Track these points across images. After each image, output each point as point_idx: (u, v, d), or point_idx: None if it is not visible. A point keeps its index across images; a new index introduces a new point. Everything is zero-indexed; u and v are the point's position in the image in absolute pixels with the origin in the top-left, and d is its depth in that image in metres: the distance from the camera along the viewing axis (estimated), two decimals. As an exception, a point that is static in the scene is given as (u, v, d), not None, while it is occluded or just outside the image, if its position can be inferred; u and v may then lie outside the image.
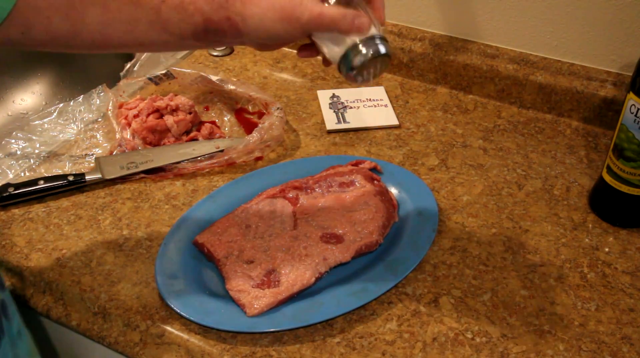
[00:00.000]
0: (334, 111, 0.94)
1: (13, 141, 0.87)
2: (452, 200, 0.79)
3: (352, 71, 0.56)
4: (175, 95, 0.91)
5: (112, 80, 0.96)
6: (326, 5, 0.55)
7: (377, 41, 0.55)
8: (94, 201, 0.79)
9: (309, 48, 0.61)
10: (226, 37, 0.57)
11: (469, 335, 0.63)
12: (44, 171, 0.83)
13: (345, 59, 0.55)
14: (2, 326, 0.58)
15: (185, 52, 1.08)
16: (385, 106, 0.95)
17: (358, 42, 0.55)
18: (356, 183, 0.75)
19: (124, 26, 0.55)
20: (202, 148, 0.85)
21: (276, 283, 0.65)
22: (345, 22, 0.55)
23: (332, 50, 0.56)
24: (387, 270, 0.67)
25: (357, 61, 0.55)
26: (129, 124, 0.87)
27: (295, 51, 1.08)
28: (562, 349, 0.62)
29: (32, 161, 0.85)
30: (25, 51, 1.16)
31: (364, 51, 0.55)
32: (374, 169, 0.80)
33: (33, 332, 0.67)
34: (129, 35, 0.56)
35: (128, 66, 0.97)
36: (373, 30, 0.55)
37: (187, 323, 0.64)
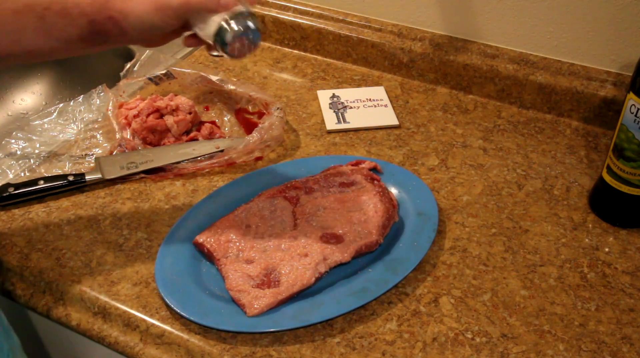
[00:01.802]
0: (334, 111, 0.94)
1: (13, 141, 0.87)
2: (452, 200, 0.79)
3: (225, 46, 0.61)
4: (175, 95, 0.91)
5: (112, 80, 0.96)
6: None
7: (245, 17, 0.61)
8: (94, 201, 0.79)
9: (192, 37, 0.65)
10: (112, 36, 0.59)
11: (469, 335, 0.63)
12: (44, 171, 0.83)
13: (218, 36, 0.61)
14: None
15: (185, 52, 1.08)
16: (385, 106, 0.95)
17: (228, 18, 0.60)
18: (356, 183, 0.75)
19: (10, 37, 0.56)
20: (202, 148, 0.85)
21: (276, 283, 0.65)
22: (211, 1, 0.59)
23: (206, 31, 0.62)
24: (387, 270, 0.67)
25: (228, 36, 0.60)
26: (129, 124, 0.87)
27: (295, 51, 1.09)
28: (562, 349, 0.62)
29: (32, 161, 0.84)
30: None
31: (233, 26, 0.60)
32: (374, 169, 0.80)
33: (29, 331, 0.67)
34: (16, 45, 0.57)
35: (128, 66, 0.97)
36: (240, 8, 0.61)
37: (187, 323, 0.64)
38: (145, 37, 0.63)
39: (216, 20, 0.61)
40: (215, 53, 0.63)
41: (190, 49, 1.08)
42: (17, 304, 0.72)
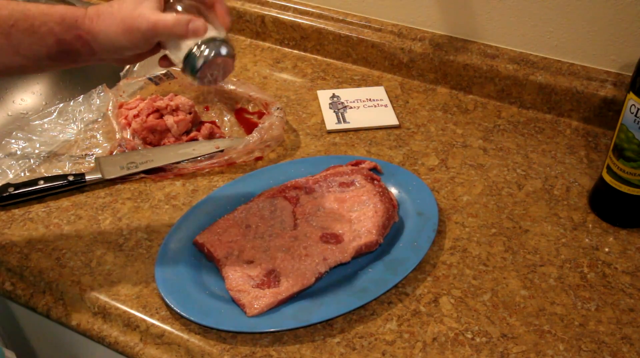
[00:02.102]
0: (334, 111, 0.94)
1: (13, 141, 0.87)
2: (452, 200, 0.79)
3: (195, 72, 0.58)
4: (175, 95, 0.91)
5: (112, 80, 0.96)
6: (163, 14, 0.57)
7: (217, 43, 0.57)
8: (94, 201, 0.79)
9: (165, 58, 0.63)
10: (81, 55, 0.59)
11: (469, 335, 0.63)
12: (44, 171, 0.83)
13: (187, 61, 0.58)
14: None
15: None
16: (385, 106, 0.95)
17: (199, 44, 0.57)
18: (356, 183, 0.75)
19: None
20: (202, 148, 0.85)
21: (276, 283, 0.65)
22: (180, 27, 0.57)
23: (176, 55, 0.59)
24: (387, 270, 0.67)
25: (198, 63, 0.57)
26: (129, 124, 0.87)
27: (295, 51, 1.09)
28: (562, 349, 0.62)
29: (32, 161, 0.84)
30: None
31: (205, 52, 0.57)
32: (374, 169, 0.80)
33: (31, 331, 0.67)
34: None
35: (128, 66, 0.97)
36: (212, 33, 0.58)
37: (187, 323, 0.64)
38: (115, 57, 0.62)
39: (188, 45, 0.58)
40: (187, 76, 0.60)
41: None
42: (18, 304, 0.72)
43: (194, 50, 0.57)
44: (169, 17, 0.57)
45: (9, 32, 0.55)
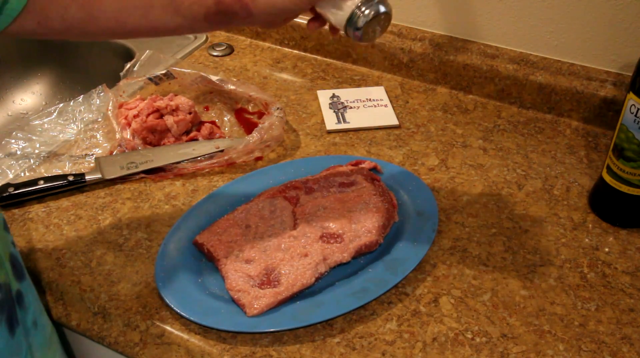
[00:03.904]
0: (334, 111, 0.94)
1: (13, 141, 0.87)
2: (452, 200, 0.79)
3: (358, 30, 0.60)
4: (175, 95, 0.91)
5: (112, 80, 0.96)
6: None
7: (376, 1, 0.60)
8: (94, 201, 0.79)
9: (316, 20, 0.64)
10: (237, 17, 0.59)
11: (469, 335, 0.63)
12: (44, 171, 0.83)
13: (350, 21, 0.60)
14: (17, 316, 0.58)
15: (185, 52, 1.08)
16: (385, 106, 0.95)
17: (359, 3, 0.60)
18: (356, 183, 0.75)
19: (138, 11, 0.57)
20: (202, 148, 0.85)
21: (276, 283, 0.65)
22: None
23: (337, 15, 0.61)
24: (387, 270, 0.67)
25: (361, 21, 0.60)
26: (129, 124, 0.87)
27: (295, 51, 1.09)
28: (562, 349, 0.62)
29: (32, 161, 0.85)
30: (25, 51, 1.16)
31: (366, 11, 0.60)
32: (374, 169, 0.80)
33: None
34: (143, 20, 0.57)
35: (128, 66, 0.97)
36: None
37: (187, 323, 0.64)
38: (269, 19, 0.62)
39: (349, 5, 0.60)
40: (342, 33, 0.62)
41: (190, 49, 1.09)
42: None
43: (357, 9, 0.60)
44: None
45: None
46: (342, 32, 0.62)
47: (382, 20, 0.61)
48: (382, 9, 0.60)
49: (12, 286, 0.60)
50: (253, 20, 0.60)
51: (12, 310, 0.59)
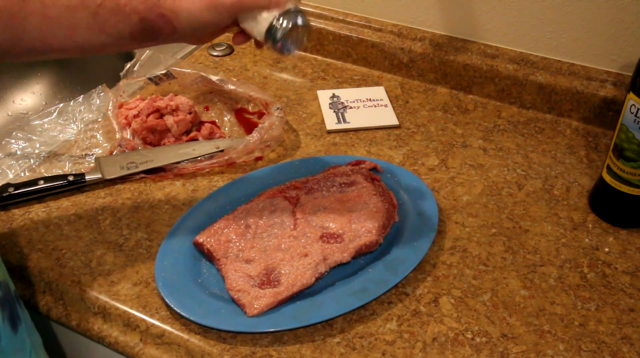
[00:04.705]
0: (334, 111, 0.94)
1: (13, 141, 0.87)
2: (452, 200, 0.79)
3: (276, 43, 0.62)
4: (175, 95, 0.91)
5: (112, 80, 0.96)
6: None
7: (295, 13, 0.62)
8: (94, 201, 0.79)
9: (240, 35, 0.66)
10: (162, 33, 0.60)
11: (469, 335, 0.63)
12: (44, 171, 0.83)
13: (269, 33, 0.62)
14: (19, 313, 0.59)
15: (185, 52, 1.08)
16: (385, 106, 0.95)
17: (277, 16, 0.62)
18: (356, 183, 0.75)
19: (63, 32, 0.57)
20: (202, 148, 0.85)
21: (276, 283, 0.65)
22: (264, 0, 0.61)
23: (257, 28, 0.63)
24: (387, 270, 0.67)
25: (279, 33, 0.62)
26: (129, 124, 0.87)
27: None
28: (562, 349, 0.62)
29: (32, 161, 0.85)
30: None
31: (284, 23, 0.62)
32: (374, 169, 0.80)
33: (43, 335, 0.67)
34: (68, 40, 0.58)
35: (128, 66, 0.97)
36: (289, 5, 0.63)
37: (187, 323, 0.64)
38: (194, 35, 0.63)
39: (266, 18, 0.62)
40: (268, 47, 0.64)
41: (190, 49, 1.09)
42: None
43: (274, 22, 0.62)
44: None
45: (97, 12, 0.57)
46: (264, 45, 0.64)
47: (300, 32, 0.63)
48: (299, 21, 0.62)
49: (11, 285, 0.60)
50: (178, 36, 0.61)
51: (14, 308, 0.59)
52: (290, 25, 0.62)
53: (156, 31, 0.60)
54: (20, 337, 0.59)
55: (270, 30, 0.62)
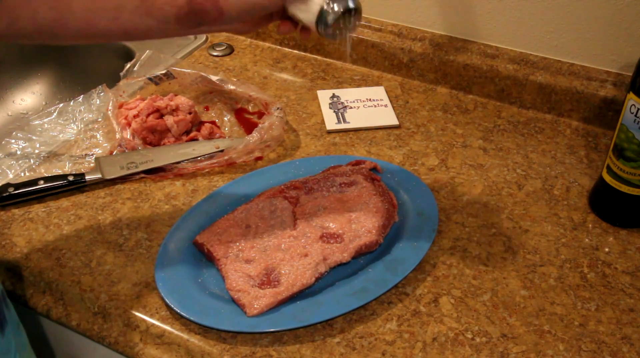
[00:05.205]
0: (334, 111, 0.94)
1: (13, 141, 0.87)
2: (452, 200, 0.79)
3: (328, 28, 0.61)
4: (175, 95, 0.91)
5: (112, 80, 0.96)
6: None
7: None
8: (94, 201, 0.79)
9: (286, 23, 0.65)
10: (208, 16, 0.58)
11: (469, 335, 0.63)
12: (44, 171, 0.83)
13: (320, 18, 0.61)
14: (4, 314, 0.58)
15: (185, 52, 1.08)
16: (385, 106, 0.95)
17: (328, 1, 0.60)
18: (356, 183, 0.75)
19: (110, 13, 0.56)
20: (202, 148, 0.85)
21: (276, 283, 0.65)
22: None
23: (307, 14, 0.62)
24: (387, 270, 0.67)
25: (330, 18, 0.60)
26: (129, 124, 0.87)
27: (295, 51, 1.09)
28: (562, 349, 0.62)
29: (32, 161, 0.85)
30: (25, 51, 1.16)
31: (335, 7, 0.60)
32: (374, 169, 0.80)
33: (31, 331, 0.67)
34: (114, 22, 0.57)
35: (128, 66, 0.97)
36: None
37: (187, 323, 0.64)
38: (241, 19, 0.61)
39: (317, 2, 0.60)
40: (320, 33, 0.63)
41: (190, 48, 1.08)
42: (17, 304, 0.72)
43: (325, 6, 0.60)
44: None
45: None
46: (314, 31, 0.63)
47: (352, 16, 0.62)
48: (351, 3, 0.61)
49: None
50: (224, 19, 0.59)
51: (1, 309, 0.59)
52: (342, 9, 0.60)
53: (202, 14, 0.58)
54: (6, 338, 0.59)
55: (322, 14, 0.60)
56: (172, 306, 0.64)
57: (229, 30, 0.63)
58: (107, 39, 0.60)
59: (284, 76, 1.03)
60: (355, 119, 0.92)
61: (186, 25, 0.59)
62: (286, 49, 1.09)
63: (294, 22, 0.64)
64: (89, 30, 0.57)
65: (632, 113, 0.69)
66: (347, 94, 0.98)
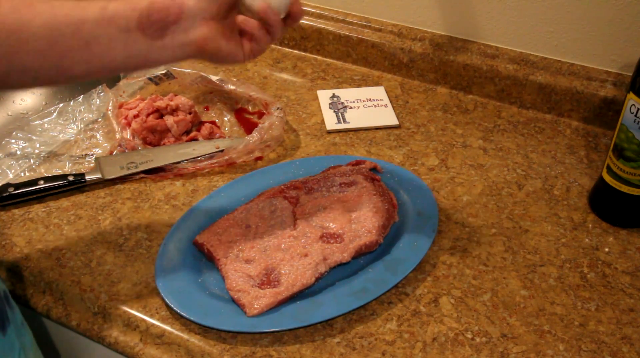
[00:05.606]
0: (334, 111, 0.94)
1: (13, 141, 0.87)
2: (452, 200, 0.79)
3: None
4: (175, 95, 0.91)
5: (112, 80, 0.96)
6: None
7: None
8: (94, 201, 0.79)
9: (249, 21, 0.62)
10: (169, 15, 0.56)
11: (469, 335, 0.63)
12: (44, 171, 0.83)
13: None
14: (7, 314, 0.58)
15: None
16: (385, 106, 0.95)
17: None
18: (356, 183, 0.75)
19: (70, 28, 0.54)
20: (202, 148, 0.85)
21: (276, 283, 0.65)
22: None
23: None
24: (387, 270, 0.67)
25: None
26: (129, 124, 0.87)
27: (295, 51, 1.08)
28: (562, 349, 0.62)
29: (32, 161, 0.85)
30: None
31: None
32: (374, 169, 0.80)
33: (36, 332, 0.67)
34: (75, 36, 0.55)
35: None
36: None
37: (187, 323, 0.64)
38: (202, 14, 0.58)
39: None
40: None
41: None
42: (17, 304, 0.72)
43: None
44: None
45: (105, 6, 0.56)
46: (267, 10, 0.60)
47: None
48: None
49: (0, 286, 0.60)
50: (185, 16, 0.57)
51: (2, 309, 0.59)
52: None
53: (163, 12, 0.56)
54: (8, 338, 0.59)
55: None
56: (172, 306, 0.64)
57: (196, 40, 0.58)
58: (70, 60, 0.56)
59: (284, 76, 1.03)
60: (355, 119, 0.92)
61: (149, 32, 0.56)
62: (286, 49, 1.09)
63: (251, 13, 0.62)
64: (50, 51, 0.54)
65: (632, 113, 0.69)
66: (347, 94, 0.98)
